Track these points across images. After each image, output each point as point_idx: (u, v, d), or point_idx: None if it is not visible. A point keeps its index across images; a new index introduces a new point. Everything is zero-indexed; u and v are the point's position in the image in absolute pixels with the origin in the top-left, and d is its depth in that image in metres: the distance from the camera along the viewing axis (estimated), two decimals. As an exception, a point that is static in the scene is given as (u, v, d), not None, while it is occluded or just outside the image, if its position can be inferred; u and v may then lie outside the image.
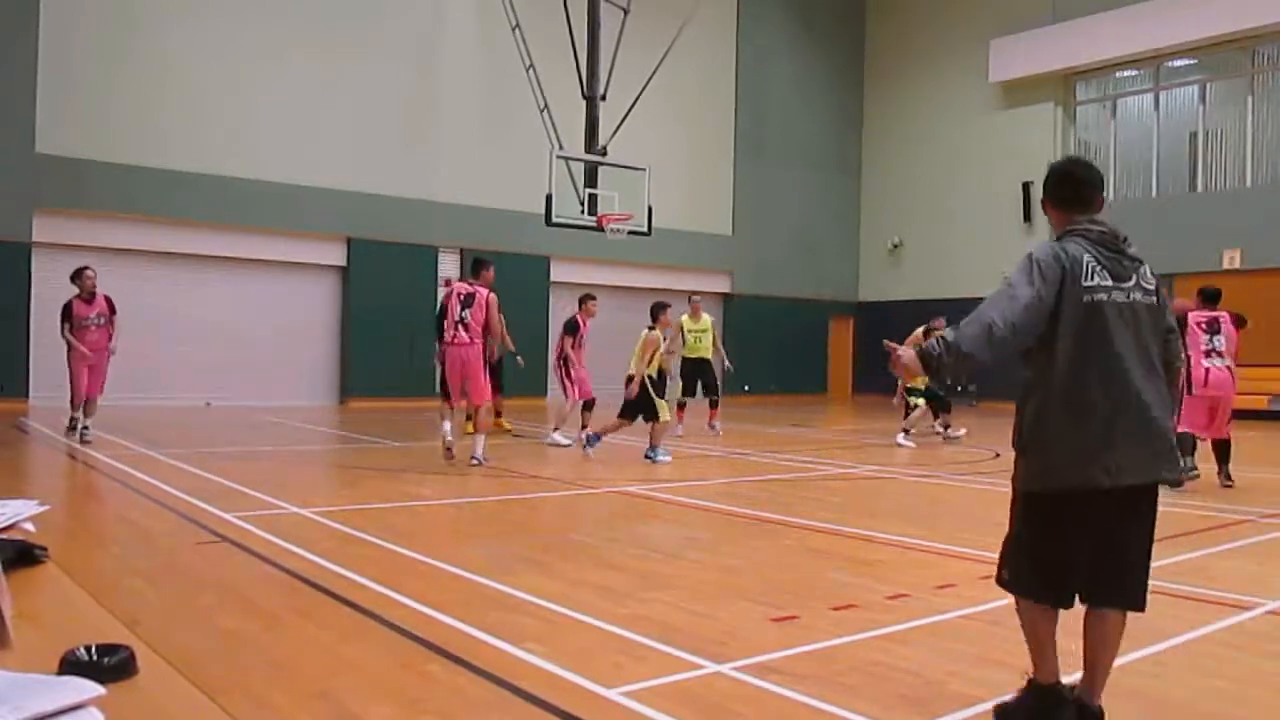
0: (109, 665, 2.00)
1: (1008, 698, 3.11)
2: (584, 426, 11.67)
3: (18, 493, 6.43)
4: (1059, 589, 2.99)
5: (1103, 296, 2.99)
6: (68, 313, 11.35)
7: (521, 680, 3.31)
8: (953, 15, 25.02)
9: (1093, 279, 3.00)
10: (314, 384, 19.13)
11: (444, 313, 9.60)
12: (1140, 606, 3.00)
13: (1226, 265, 20.19)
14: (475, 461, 9.30)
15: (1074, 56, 22.29)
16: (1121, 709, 3.21)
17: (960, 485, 9.10)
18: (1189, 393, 8.73)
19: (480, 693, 3.23)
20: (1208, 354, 8.91)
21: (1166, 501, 7.82)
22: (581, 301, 12.31)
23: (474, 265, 10.15)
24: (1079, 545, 2.97)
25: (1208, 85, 21.41)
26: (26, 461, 10.01)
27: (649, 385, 10.37)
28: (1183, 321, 8.78)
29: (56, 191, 16.28)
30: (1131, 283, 3.05)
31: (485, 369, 9.56)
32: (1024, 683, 3.07)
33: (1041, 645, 3.03)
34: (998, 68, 23.55)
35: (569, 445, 11.43)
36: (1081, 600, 3.01)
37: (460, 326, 9.38)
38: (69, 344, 11.24)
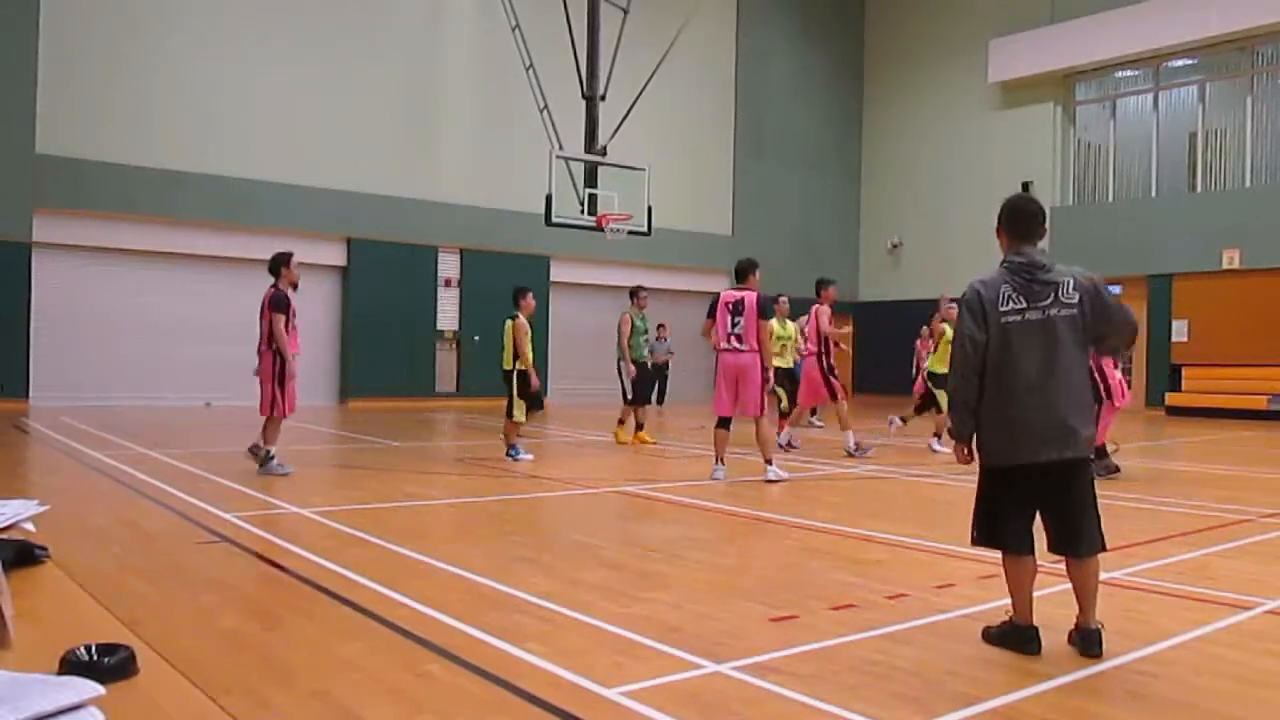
0: (109, 665, 2.00)
1: (993, 625, 3.88)
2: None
3: (18, 493, 6.44)
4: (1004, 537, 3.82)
5: (1015, 319, 3.66)
6: (287, 307, 8.68)
7: (521, 680, 3.31)
8: (952, 15, 25.02)
9: (1007, 304, 3.69)
10: (314, 384, 19.10)
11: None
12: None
13: (1226, 265, 20.20)
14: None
15: (1073, 56, 22.30)
16: (1122, 709, 3.21)
17: (960, 485, 9.09)
18: None
19: (480, 693, 3.23)
20: None
21: (1167, 501, 7.84)
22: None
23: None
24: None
25: (1207, 85, 21.40)
26: (26, 461, 10.01)
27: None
28: None
29: (56, 191, 16.30)
30: (1049, 301, 3.65)
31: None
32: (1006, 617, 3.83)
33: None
34: (997, 68, 23.55)
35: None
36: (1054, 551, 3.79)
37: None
38: (282, 353, 8.67)
